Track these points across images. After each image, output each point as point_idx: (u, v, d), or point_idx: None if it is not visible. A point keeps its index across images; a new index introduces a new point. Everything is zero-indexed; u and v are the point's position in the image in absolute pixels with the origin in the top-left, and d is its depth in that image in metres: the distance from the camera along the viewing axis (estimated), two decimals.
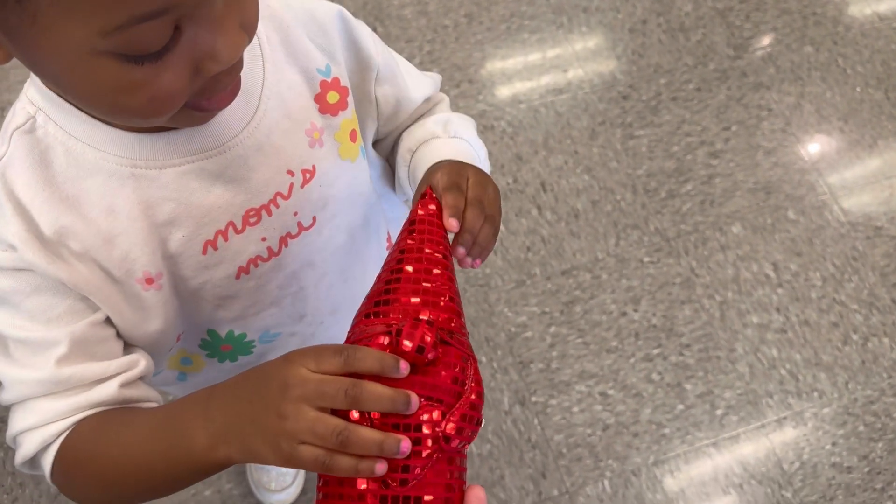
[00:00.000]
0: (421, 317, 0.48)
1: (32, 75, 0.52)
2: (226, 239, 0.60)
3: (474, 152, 0.70)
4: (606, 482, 1.47)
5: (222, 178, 0.58)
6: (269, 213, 0.61)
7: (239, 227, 0.60)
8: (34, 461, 0.57)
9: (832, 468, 1.51)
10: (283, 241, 0.64)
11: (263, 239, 0.62)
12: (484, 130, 1.76)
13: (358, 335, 0.49)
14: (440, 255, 0.52)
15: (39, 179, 0.53)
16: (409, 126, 0.73)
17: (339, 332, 0.76)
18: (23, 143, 0.53)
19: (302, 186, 0.62)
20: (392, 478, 0.44)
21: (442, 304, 0.49)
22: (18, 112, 0.54)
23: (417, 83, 0.72)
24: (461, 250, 0.56)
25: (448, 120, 0.71)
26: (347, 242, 0.71)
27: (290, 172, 0.61)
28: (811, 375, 1.58)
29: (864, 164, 1.80)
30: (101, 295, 0.55)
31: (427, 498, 0.45)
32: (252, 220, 0.61)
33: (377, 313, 0.49)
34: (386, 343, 0.46)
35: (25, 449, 0.55)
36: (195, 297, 0.63)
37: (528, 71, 1.85)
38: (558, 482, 1.47)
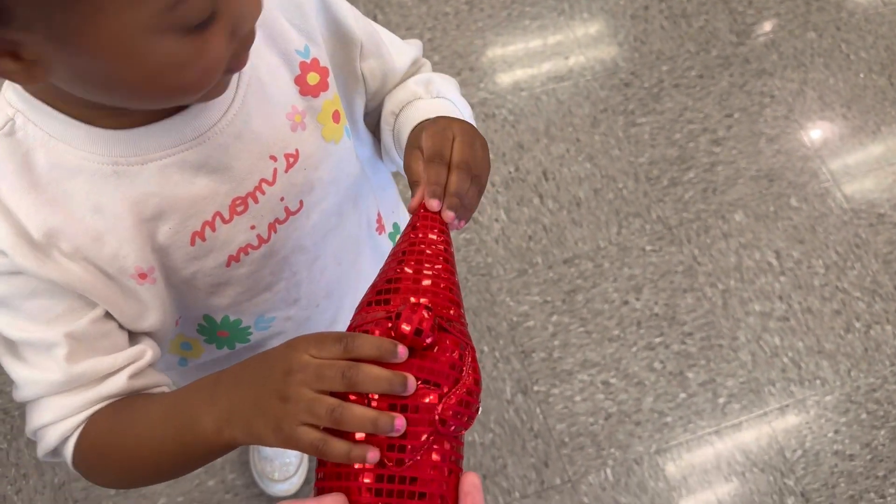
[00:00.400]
0: (420, 301, 0.49)
1: None
2: (213, 229, 0.60)
3: (458, 112, 0.69)
4: (609, 471, 1.47)
5: (205, 169, 0.57)
6: (256, 201, 0.61)
7: (226, 216, 0.60)
8: (56, 452, 0.59)
9: (834, 456, 1.51)
10: (272, 227, 0.64)
11: (252, 227, 0.62)
12: (485, 119, 1.76)
13: (360, 322, 0.50)
14: (441, 249, 0.53)
15: (24, 183, 0.53)
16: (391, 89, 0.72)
17: (334, 315, 0.76)
18: (4, 146, 0.53)
19: (286, 171, 0.62)
20: (388, 457, 0.45)
21: (441, 294, 0.50)
22: None
23: (401, 52, 0.71)
24: (450, 214, 0.54)
25: (430, 80, 0.71)
26: (338, 225, 0.71)
27: (273, 158, 0.61)
28: (813, 363, 1.58)
29: (867, 150, 1.79)
30: (96, 293, 0.56)
31: (422, 479, 0.46)
32: (239, 209, 0.61)
33: (379, 301, 0.50)
34: (387, 327, 0.47)
35: (46, 442, 0.58)
36: (188, 285, 0.63)
37: (529, 58, 1.84)
38: (561, 471, 1.47)
